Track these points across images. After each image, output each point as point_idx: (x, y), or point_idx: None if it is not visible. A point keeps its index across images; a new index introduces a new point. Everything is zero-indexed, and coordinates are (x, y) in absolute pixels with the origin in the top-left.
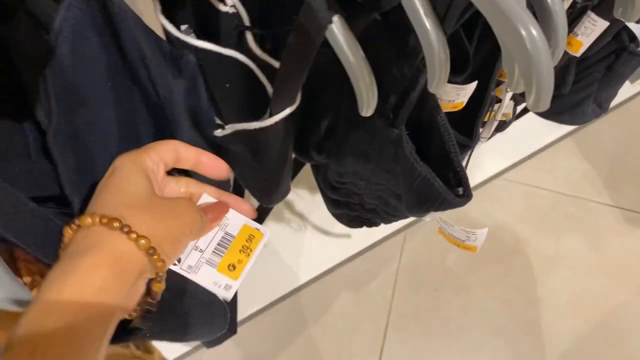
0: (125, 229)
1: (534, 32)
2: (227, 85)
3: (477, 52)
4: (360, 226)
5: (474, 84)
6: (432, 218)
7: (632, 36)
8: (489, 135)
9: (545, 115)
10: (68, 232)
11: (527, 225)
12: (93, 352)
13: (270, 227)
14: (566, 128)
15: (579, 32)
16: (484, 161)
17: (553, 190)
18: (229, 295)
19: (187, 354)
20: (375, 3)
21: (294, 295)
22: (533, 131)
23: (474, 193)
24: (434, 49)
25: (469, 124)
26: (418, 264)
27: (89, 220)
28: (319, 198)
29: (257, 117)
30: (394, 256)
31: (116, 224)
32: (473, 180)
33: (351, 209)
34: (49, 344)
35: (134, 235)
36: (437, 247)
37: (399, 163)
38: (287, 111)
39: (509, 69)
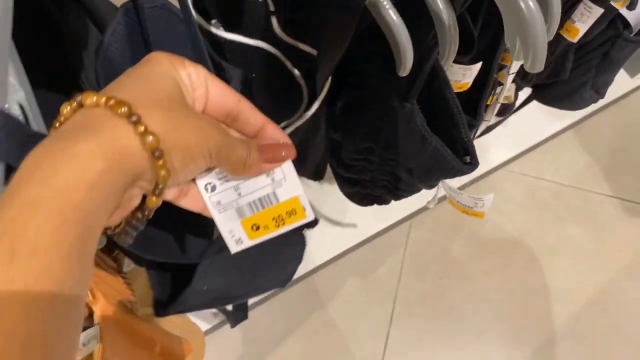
0: (134, 118)
1: (531, 3)
2: (254, 75)
3: (482, 36)
4: (371, 204)
5: (479, 65)
6: (443, 187)
7: (626, 23)
8: (492, 118)
9: (546, 101)
10: (66, 109)
11: (529, 216)
12: (81, 266)
13: None
14: (567, 121)
15: (575, 19)
16: (487, 153)
17: (555, 181)
18: (235, 249)
19: None
20: None
21: (303, 281)
22: (535, 124)
23: (477, 184)
24: (446, 25)
25: (473, 105)
26: (423, 252)
27: (93, 98)
28: (327, 189)
29: (285, 104)
30: (400, 244)
31: (124, 109)
32: (476, 172)
33: (363, 187)
34: (32, 251)
35: (141, 128)
36: (442, 236)
37: (411, 135)
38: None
39: (511, 41)
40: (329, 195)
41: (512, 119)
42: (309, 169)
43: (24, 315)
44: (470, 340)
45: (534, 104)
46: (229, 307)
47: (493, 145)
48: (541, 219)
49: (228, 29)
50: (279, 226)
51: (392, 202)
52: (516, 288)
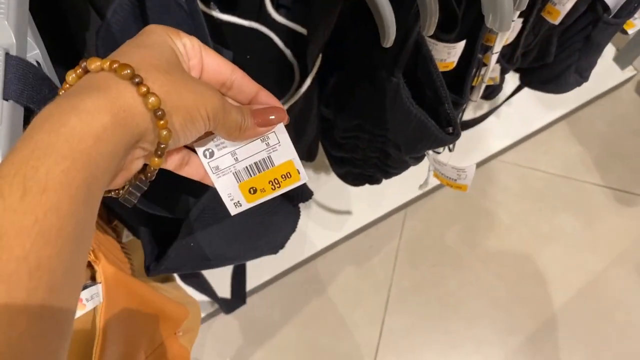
0: (137, 80)
1: None
2: (248, 57)
3: (466, 16)
4: (363, 183)
5: (463, 43)
6: (428, 159)
7: (606, 7)
8: (478, 98)
9: (532, 85)
10: (71, 76)
11: (522, 205)
12: (86, 209)
13: None
14: (560, 112)
15: (556, 1)
16: (481, 143)
17: (548, 171)
18: (234, 211)
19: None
20: None
21: (300, 268)
22: (528, 114)
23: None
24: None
25: (459, 84)
26: (418, 240)
27: (97, 63)
28: (322, 177)
29: (279, 83)
30: (395, 233)
31: (127, 71)
32: (469, 161)
33: (355, 166)
34: (43, 189)
35: (144, 89)
36: (436, 224)
37: (398, 108)
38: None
39: (485, 11)
40: (324, 183)
41: (505, 109)
42: (302, 148)
43: (33, 244)
44: (464, 327)
45: (527, 95)
46: (227, 295)
47: (487, 136)
48: (535, 208)
49: (223, 10)
50: (274, 189)
51: (387, 191)
52: (510, 275)
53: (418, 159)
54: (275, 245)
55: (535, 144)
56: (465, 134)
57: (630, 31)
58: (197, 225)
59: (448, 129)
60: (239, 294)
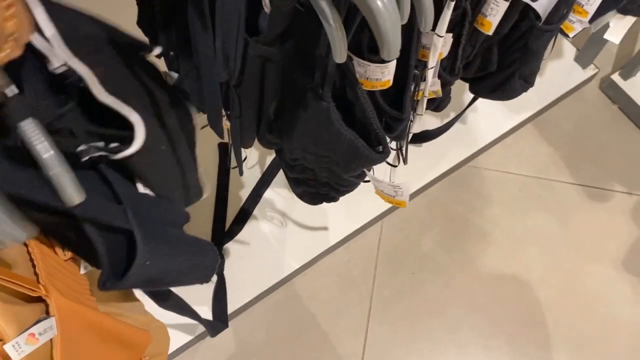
0: None
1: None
2: None
3: None
4: (321, 202)
5: (394, 62)
6: (369, 178)
7: (538, 15)
8: (423, 112)
9: (480, 94)
10: None
11: (496, 208)
12: None
13: (254, 225)
14: (525, 114)
15: (486, 13)
16: (450, 150)
17: (518, 173)
18: None
19: (184, 347)
20: None
21: (282, 286)
22: (494, 119)
23: (444, 180)
24: (332, 27)
25: (400, 100)
26: (396, 250)
27: None
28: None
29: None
30: (373, 244)
31: None
32: (441, 168)
33: (309, 186)
34: None
35: None
36: (413, 233)
37: (330, 130)
38: None
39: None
40: (298, 202)
41: (471, 116)
42: None
43: None
44: (447, 332)
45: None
46: (209, 317)
47: (455, 143)
48: (508, 210)
49: None
50: None
51: (363, 203)
52: (488, 278)
53: (359, 177)
54: (202, 276)
55: (504, 147)
56: (434, 143)
57: (571, 34)
58: (147, 243)
59: (378, 148)
60: (220, 317)
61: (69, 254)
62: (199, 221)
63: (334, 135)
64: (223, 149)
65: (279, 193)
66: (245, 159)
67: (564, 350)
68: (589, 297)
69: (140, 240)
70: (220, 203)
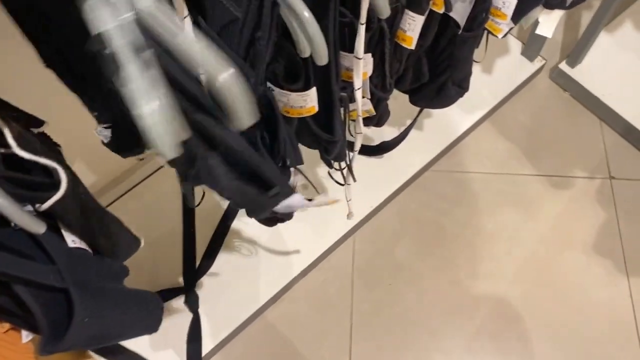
0: None
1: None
2: None
3: (309, 62)
4: (275, 223)
5: (314, 89)
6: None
7: (457, 24)
8: (362, 130)
9: (419, 104)
10: None
11: (463, 208)
12: None
13: (224, 258)
14: (480, 113)
15: (406, 29)
16: (410, 157)
17: (481, 171)
18: None
19: None
20: None
21: (259, 316)
22: (449, 122)
23: (409, 188)
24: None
25: (329, 124)
26: (370, 263)
27: None
28: None
29: None
30: (346, 260)
31: None
32: (404, 176)
33: None
34: None
35: None
36: (385, 243)
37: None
38: None
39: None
40: (267, 229)
41: (427, 121)
42: None
43: None
44: (430, 339)
45: None
46: None
47: (415, 150)
48: (475, 209)
49: None
50: None
51: (331, 221)
52: (463, 279)
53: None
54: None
55: (464, 147)
56: (394, 152)
57: (499, 35)
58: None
59: (271, 191)
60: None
61: (6, 326)
62: (169, 260)
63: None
64: None
65: (247, 222)
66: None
67: (547, 340)
68: (565, 285)
69: (77, 297)
70: (188, 241)
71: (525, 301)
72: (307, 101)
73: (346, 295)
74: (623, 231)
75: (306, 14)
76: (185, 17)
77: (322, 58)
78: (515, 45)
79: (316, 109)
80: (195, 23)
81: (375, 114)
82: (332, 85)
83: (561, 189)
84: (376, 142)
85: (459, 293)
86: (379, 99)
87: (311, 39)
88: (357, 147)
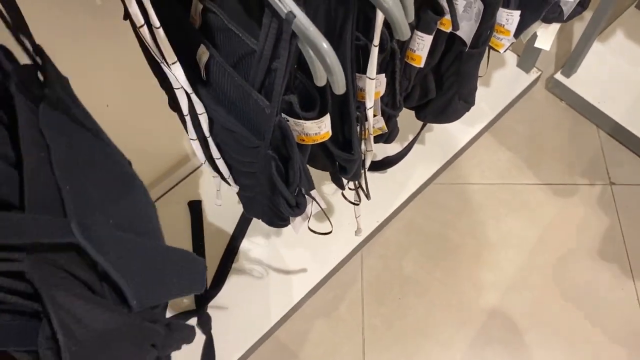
0: None
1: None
2: None
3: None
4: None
5: (328, 115)
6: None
7: (464, 41)
8: (372, 148)
9: (426, 119)
10: None
11: (467, 219)
12: None
13: (234, 280)
14: (480, 125)
15: (415, 49)
16: (413, 172)
17: (483, 182)
18: None
19: None
20: None
21: (272, 336)
22: (450, 135)
23: (414, 202)
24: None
25: (349, 143)
26: (379, 277)
27: None
28: (272, 242)
29: None
30: (355, 277)
31: None
32: (409, 191)
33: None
34: None
35: None
36: (393, 258)
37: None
38: None
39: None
40: (276, 248)
41: (428, 135)
42: None
43: None
44: (442, 350)
45: None
46: None
47: (418, 164)
48: (479, 220)
49: None
50: None
51: (339, 238)
52: (471, 290)
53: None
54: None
55: (465, 160)
56: (398, 167)
57: (501, 50)
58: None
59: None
60: None
61: None
62: None
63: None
64: (194, 208)
65: (255, 242)
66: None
67: (556, 347)
68: (571, 290)
69: None
70: None
71: (533, 308)
72: (322, 128)
73: (357, 310)
74: (626, 235)
75: (325, 45)
76: (174, 63)
77: (341, 88)
78: (511, 58)
79: (330, 134)
80: (211, 56)
81: (387, 130)
82: (349, 107)
83: (563, 196)
84: (379, 157)
85: (467, 303)
86: (389, 116)
87: (330, 69)
88: (367, 164)
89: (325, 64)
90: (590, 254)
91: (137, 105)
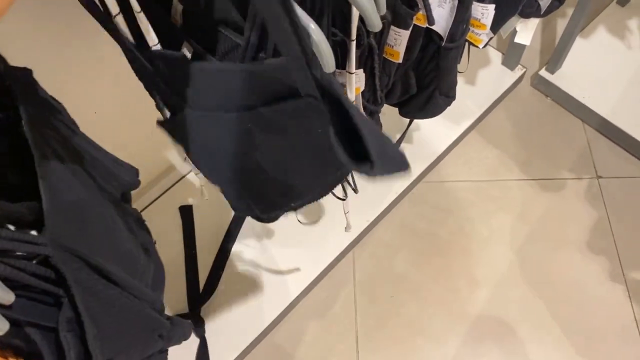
0: None
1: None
2: None
3: None
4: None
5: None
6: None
7: (440, 36)
8: None
9: (409, 115)
10: None
11: (457, 217)
12: None
13: (227, 281)
14: (467, 123)
15: (392, 44)
16: None
17: (472, 180)
18: None
19: None
20: None
21: (266, 337)
22: (437, 134)
23: (403, 201)
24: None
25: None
26: (371, 277)
27: None
28: (264, 244)
29: None
30: (348, 276)
31: None
32: (398, 189)
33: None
34: None
35: None
36: (384, 257)
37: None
38: None
39: None
40: (267, 249)
41: (416, 134)
42: None
43: None
44: (435, 347)
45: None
46: None
47: None
48: (469, 217)
49: None
50: None
51: (330, 238)
52: (463, 286)
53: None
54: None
55: (453, 158)
56: None
57: (480, 45)
58: None
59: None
60: None
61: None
62: (173, 288)
63: None
64: (185, 213)
65: (247, 244)
66: None
67: (551, 341)
68: (561, 284)
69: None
70: (190, 267)
71: (525, 303)
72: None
73: (350, 310)
74: (614, 228)
75: (312, 25)
76: (155, 46)
77: (330, 66)
78: (495, 55)
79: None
80: (196, 54)
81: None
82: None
83: (551, 191)
84: None
85: (459, 300)
86: (371, 112)
87: (319, 50)
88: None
89: (315, 45)
90: (580, 248)
91: (125, 112)
